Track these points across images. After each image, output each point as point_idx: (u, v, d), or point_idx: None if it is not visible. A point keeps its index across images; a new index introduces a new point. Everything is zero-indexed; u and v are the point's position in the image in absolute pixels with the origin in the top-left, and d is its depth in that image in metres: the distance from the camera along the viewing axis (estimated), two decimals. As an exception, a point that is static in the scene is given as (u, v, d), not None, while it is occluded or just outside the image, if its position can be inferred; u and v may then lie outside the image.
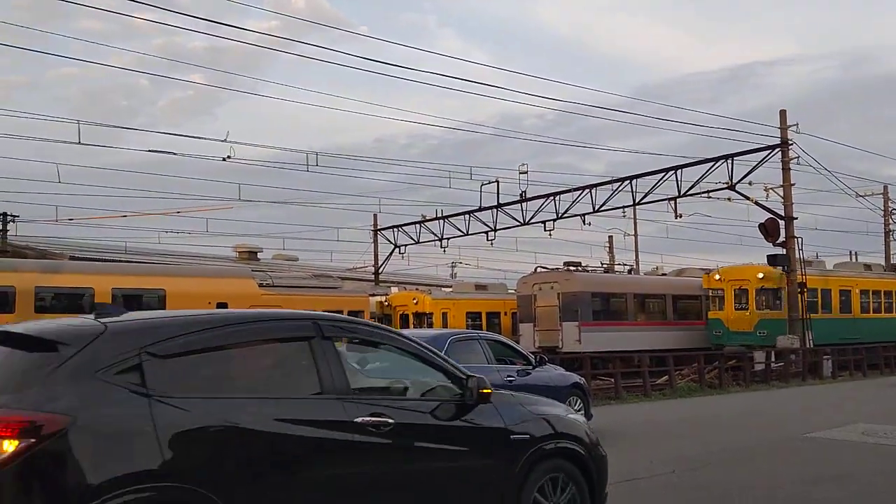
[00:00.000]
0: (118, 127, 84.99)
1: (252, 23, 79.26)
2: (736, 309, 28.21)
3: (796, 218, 26.20)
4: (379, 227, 38.68)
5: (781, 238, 25.51)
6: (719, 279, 28.72)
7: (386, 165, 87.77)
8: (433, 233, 34.73)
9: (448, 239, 34.43)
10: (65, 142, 24.82)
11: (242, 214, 60.70)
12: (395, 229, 37.13)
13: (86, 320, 4.26)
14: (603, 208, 29.12)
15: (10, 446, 3.48)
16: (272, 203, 45.14)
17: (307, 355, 4.51)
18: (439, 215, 33.91)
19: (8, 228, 30.49)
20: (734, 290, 28.32)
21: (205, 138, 40.78)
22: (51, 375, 3.75)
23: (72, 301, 20.18)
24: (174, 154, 25.70)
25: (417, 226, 35.49)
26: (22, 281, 19.36)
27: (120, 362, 3.89)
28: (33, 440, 3.51)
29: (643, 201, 28.39)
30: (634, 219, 39.73)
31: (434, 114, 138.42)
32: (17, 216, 30.82)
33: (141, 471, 3.70)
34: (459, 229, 33.48)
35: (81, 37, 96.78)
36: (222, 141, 22.76)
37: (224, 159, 23.35)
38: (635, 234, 42.41)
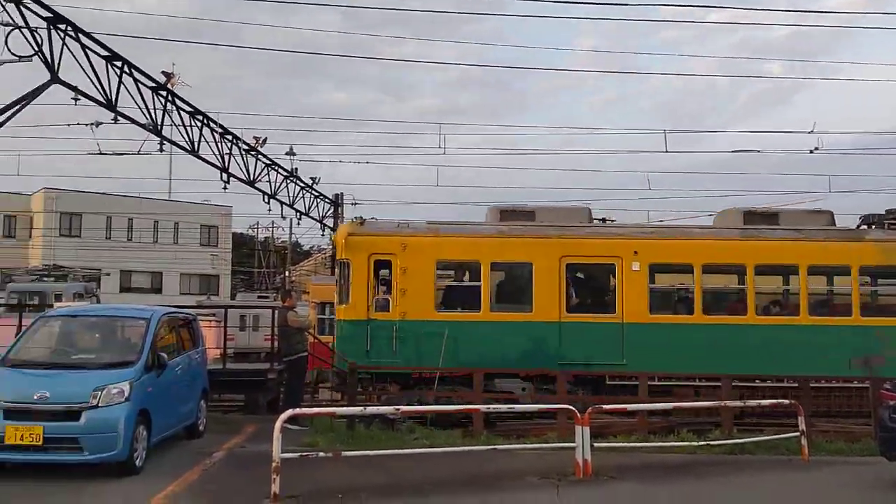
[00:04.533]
0: (698, 131, 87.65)
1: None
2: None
3: None
4: None
5: None
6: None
7: None
8: None
9: None
10: (652, 151, 26.53)
11: (834, 205, 56.55)
12: None
13: None
14: None
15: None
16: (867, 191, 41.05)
17: None
18: None
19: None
20: None
21: (787, 132, 38.93)
22: None
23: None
24: (758, 151, 25.32)
25: None
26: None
27: None
28: None
29: None
30: None
31: None
32: (614, 221, 34.15)
33: None
34: None
35: (661, 47, 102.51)
36: (809, 132, 21.56)
37: (811, 151, 22.10)
38: None
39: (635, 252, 14.75)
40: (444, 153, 25.36)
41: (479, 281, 14.57)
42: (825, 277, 15.78)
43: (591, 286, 15.47)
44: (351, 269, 14.59)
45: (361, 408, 10.33)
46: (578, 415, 8.73)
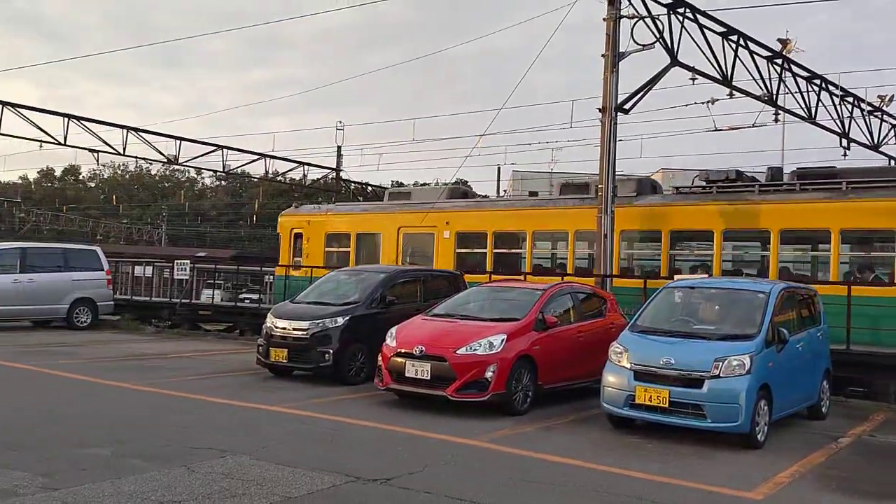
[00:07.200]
0: None
1: None
2: None
3: None
4: None
5: None
6: None
7: None
8: None
9: None
10: None
11: None
12: None
13: None
14: None
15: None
16: None
17: None
18: None
19: None
20: None
21: None
22: None
23: None
24: None
25: None
26: None
27: None
28: None
29: None
30: None
31: None
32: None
33: None
34: None
35: None
36: None
37: None
38: None
39: (447, 223, 19.10)
40: None
41: (348, 246, 21.15)
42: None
43: (419, 248, 19.87)
44: (280, 240, 22.68)
45: None
46: None
